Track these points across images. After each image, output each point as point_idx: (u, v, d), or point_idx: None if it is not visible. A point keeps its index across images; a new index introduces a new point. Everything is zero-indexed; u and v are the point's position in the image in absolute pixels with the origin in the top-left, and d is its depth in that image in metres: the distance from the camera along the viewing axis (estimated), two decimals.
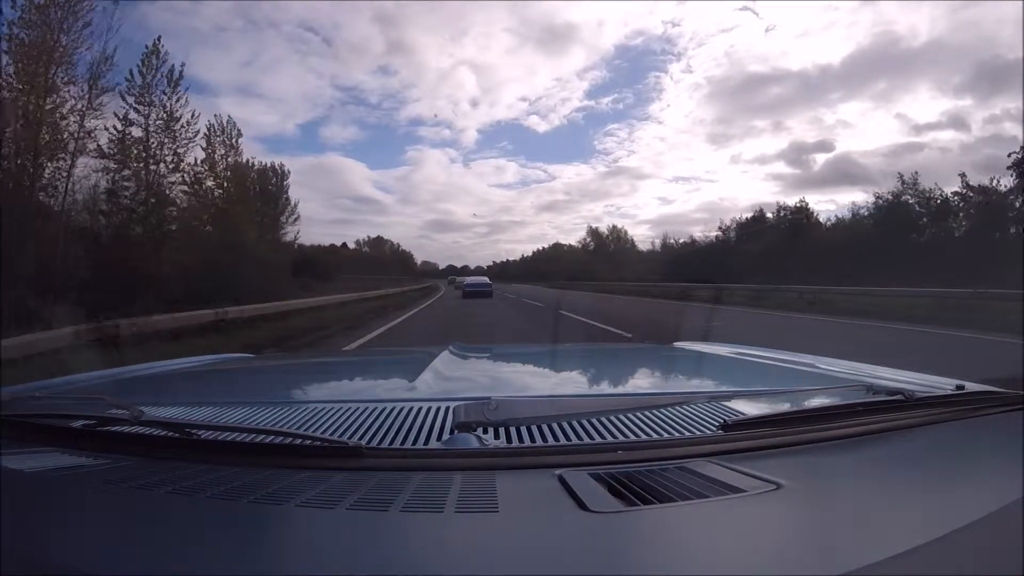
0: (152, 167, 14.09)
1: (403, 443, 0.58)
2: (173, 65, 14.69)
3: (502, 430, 0.60)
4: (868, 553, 0.36)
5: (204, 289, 10.68)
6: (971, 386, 0.76)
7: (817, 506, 0.47)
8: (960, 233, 21.89)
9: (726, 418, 0.62)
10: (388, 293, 20.72)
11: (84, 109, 11.64)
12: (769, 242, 30.22)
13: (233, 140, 21.04)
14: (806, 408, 0.70)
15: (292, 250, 27.46)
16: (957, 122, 44.44)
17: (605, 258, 52.68)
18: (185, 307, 7.71)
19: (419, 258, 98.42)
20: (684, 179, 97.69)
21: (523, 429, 0.61)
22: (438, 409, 0.68)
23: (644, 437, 0.59)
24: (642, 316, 11.02)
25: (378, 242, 67.91)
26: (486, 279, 26.26)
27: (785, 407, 0.72)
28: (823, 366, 1.06)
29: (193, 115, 15.09)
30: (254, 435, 0.59)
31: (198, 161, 17.73)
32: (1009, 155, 19.80)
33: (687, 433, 0.60)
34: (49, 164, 11.03)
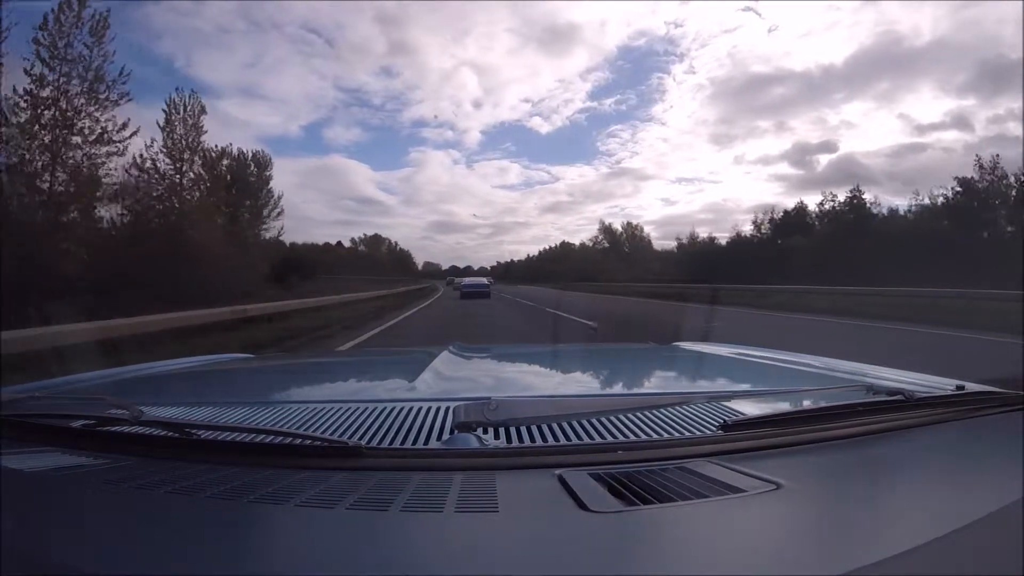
0: (68, 137, 11.21)
1: (403, 443, 0.58)
2: (96, 10, 11.80)
3: (502, 430, 0.60)
4: (868, 553, 0.36)
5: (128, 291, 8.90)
6: (971, 386, 0.76)
7: (817, 506, 0.47)
8: None
9: (726, 418, 0.62)
10: (364, 298, 17.07)
11: None
12: (820, 237, 27.17)
13: (196, 118, 18.08)
14: (806, 408, 0.70)
15: (272, 247, 25.49)
16: (960, 122, 44.09)
17: (619, 257, 49.27)
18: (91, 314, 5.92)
19: (422, 259, 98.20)
20: (687, 180, 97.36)
21: (523, 429, 0.61)
22: (438, 409, 0.68)
23: (644, 437, 0.59)
24: (693, 327, 8.34)
25: (375, 241, 66.02)
26: (484, 280, 26.44)
27: (785, 407, 0.72)
28: (823, 366, 1.06)
29: (121, 73, 12.23)
30: (254, 435, 0.59)
31: (152, 140, 15.64)
32: None
33: (687, 433, 0.60)
34: None
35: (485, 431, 0.58)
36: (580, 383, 1.17)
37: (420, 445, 0.58)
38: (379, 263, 51.74)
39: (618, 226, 58.24)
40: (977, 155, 23.35)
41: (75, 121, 11.83)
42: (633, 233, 56.19)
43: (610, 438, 0.59)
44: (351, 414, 0.68)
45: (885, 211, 27.95)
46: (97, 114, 12.31)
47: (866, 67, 62.62)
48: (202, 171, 19.10)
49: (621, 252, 51.44)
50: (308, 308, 11.45)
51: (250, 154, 26.13)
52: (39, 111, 11.33)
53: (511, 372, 1.31)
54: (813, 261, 23.65)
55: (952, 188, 23.68)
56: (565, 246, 72.63)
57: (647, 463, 0.52)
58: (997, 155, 22.46)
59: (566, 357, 1.53)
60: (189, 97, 18.27)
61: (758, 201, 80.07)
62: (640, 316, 10.96)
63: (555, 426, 0.61)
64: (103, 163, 12.63)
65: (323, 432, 0.61)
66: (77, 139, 11.89)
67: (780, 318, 10.40)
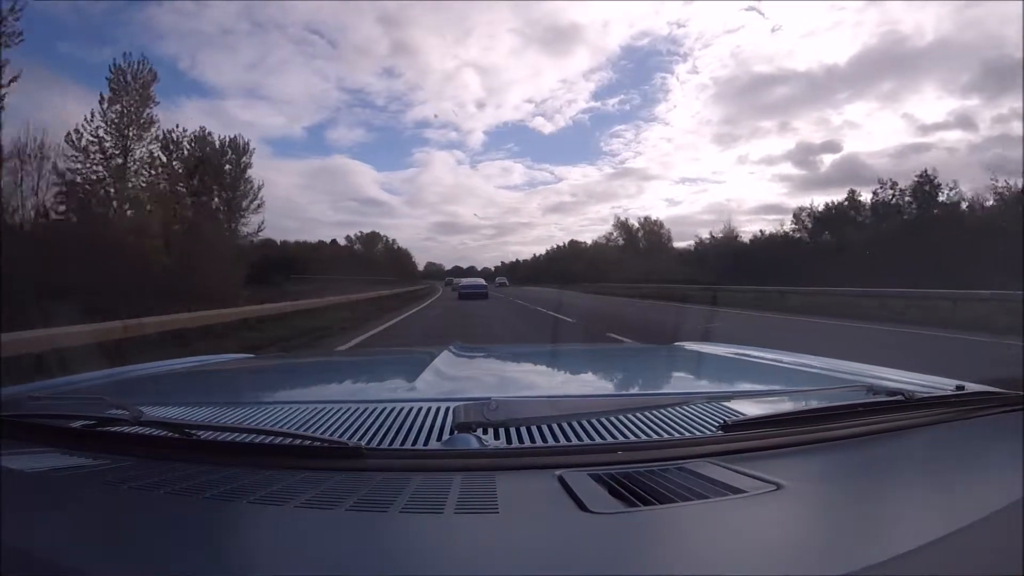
0: None
1: (403, 443, 0.58)
2: None
3: (502, 431, 0.60)
4: (868, 553, 0.36)
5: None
6: (971, 386, 0.76)
7: (817, 506, 0.47)
8: None
9: (726, 418, 0.62)
10: (332, 304, 13.45)
11: None
12: (880, 231, 23.85)
13: (144, 88, 14.86)
14: (806, 408, 0.70)
15: (251, 245, 23.13)
16: (964, 121, 43.91)
17: (637, 255, 44.68)
18: None
19: (425, 259, 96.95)
20: (691, 180, 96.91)
21: (523, 429, 0.61)
22: (438, 409, 0.68)
23: (644, 437, 0.59)
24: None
25: (371, 239, 59.92)
26: (482, 280, 26.13)
27: (785, 407, 0.72)
28: (823, 366, 1.06)
29: (13, 8, 10.00)
30: (254, 435, 0.59)
31: (92, 114, 12.97)
32: None
33: (687, 433, 0.60)
34: None
35: (485, 431, 0.58)
36: (580, 383, 1.17)
37: (420, 446, 0.58)
38: (374, 262, 47.33)
39: (634, 222, 53.84)
40: None
41: None
42: (652, 229, 51.50)
43: (610, 438, 0.59)
44: (351, 414, 0.68)
45: (962, 198, 23.82)
46: None
47: (869, 67, 62.32)
48: (160, 154, 17.14)
49: (638, 250, 47.74)
50: (221, 323, 8.01)
51: (227, 139, 23.18)
52: None
53: (511, 372, 1.31)
54: (869, 258, 20.64)
55: None
56: (574, 245, 69.27)
57: (647, 463, 0.52)
58: None
59: (566, 357, 1.53)
60: (138, 64, 15.16)
61: (762, 201, 79.69)
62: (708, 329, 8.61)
63: (555, 426, 0.61)
64: None
65: (323, 432, 0.61)
66: None
67: (882, 332, 7.74)
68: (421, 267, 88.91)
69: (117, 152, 14.99)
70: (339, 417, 0.67)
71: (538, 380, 1.19)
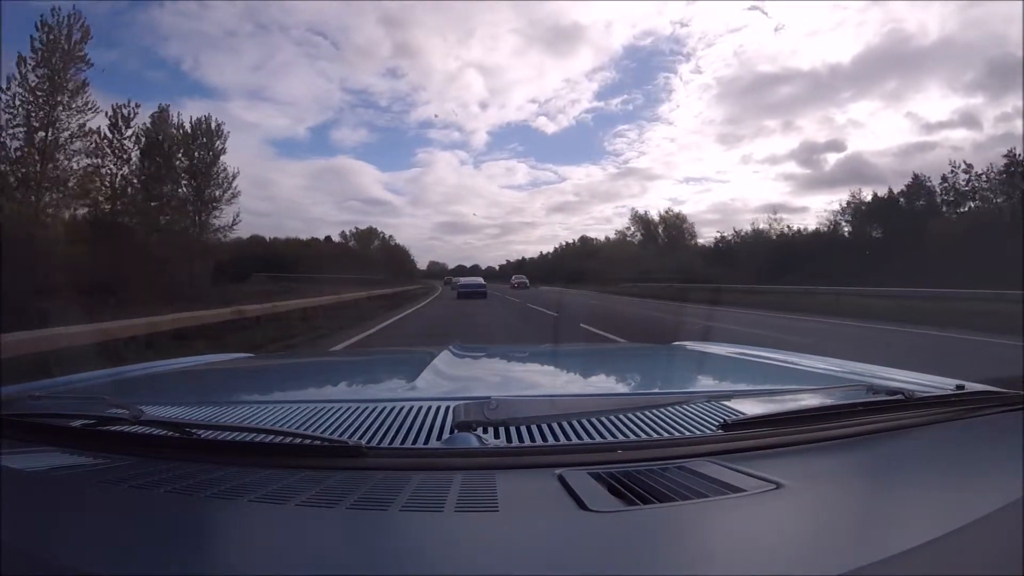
0: None
1: (403, 443, 0.58)
2: None
3: (502, 430, 0.60)
4: (868, 553, 0.36)
5: None
6: (971, 386, 0.76)
7: (817, 506, 0.47)
8: None
9: (726, 418, 0.62)
10: (295, 308, 10.48)
11: None
12: (950, 223, 20.37)
13: (72, 47, 11.69)
14: (806, 408, 0.70)
15: (213, 240, 20.57)
16: (968, 120, 43.34)
17: (661, 252, 39.53)
18: None
19: (428, 259, 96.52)
20: (695, 180, 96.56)
21: (523, 429, 0.61)
22: (438, 409, 0.68)
23: (644, 437, 0.59)
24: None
25: (367, 235, 56.73)
26: (481, 280, 25.83)
27: (785, 407, 0.72)
28: (823, 366, 1.06)
29: None
30: (254, 435, 0.59)
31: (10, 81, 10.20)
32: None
33: (687, 433, 0.60)
34: None
35: (485, 431, 0.58)
36: (580, 383, 1.17)
37: (420, 445, 0.58)
38: (370, 260, 44.20)
39: (655, 215, 48.13)
40: None
41: None
42: (673, 223, 45.91)
43: (610, 438, 0.59)
44: (351, 414, 0.67)
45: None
46: None
47: (873, 66, 61.97)
48: (108, 132, 14.90)
49: (657, 245, 43.02)
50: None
51: (198, 121, 20.25)
52: None
53: (511, 372, 1.31)
54: (938, 253, 17.21)
55: None
56: (586, 242, 64.67)
57: (647, 463, 0.52)
58: None
59: (566, 357, 1.53)
60: (67, 18, 11.91)
61: (766, 201, 79.18)
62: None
63: (555, 426, 0.61)
64: None
65: (323, 432, 0.61)
66: None
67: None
68: (424, 266, 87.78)
69: (37, 125, 11.95)
70: (339, 416, 0.67)
71: (538, 379, 1.19)
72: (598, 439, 0.59)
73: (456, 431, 0.58)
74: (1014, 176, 21.62)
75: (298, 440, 0.56)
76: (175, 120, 19.94)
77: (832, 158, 65.42)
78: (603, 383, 1.18)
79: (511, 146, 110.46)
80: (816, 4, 73.91)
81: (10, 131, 11.69)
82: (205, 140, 20.70)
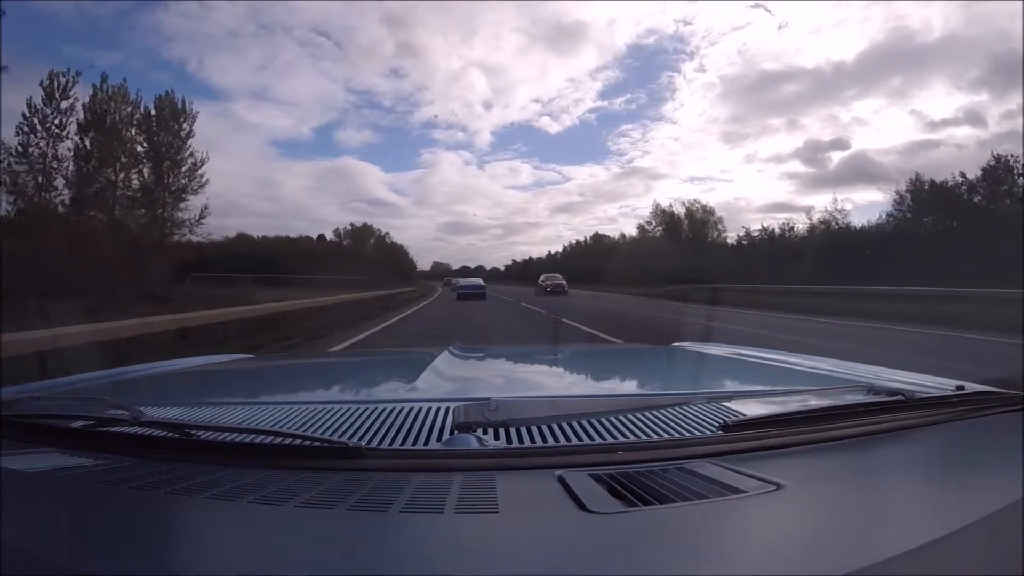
0: None
1: (403, 444, 0.58)
2: None
3: (502, 431, 0.60)
4: (868, 553, 0.36)
5: None
6: (971, 386, 0.76)
7: (817, 506, 0.47)
8: None
9: (726, 418, 0.62)
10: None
11: None
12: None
13: None
14: (806, 408, 0.70)
15: (168, 235, 17.79)
16: (973, 117, 42.36)
17: (692, 250, 33.16)
18: None
19: (432, 259, 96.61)
20: (699, 179, 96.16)
21: (523, 430, 0.61)
22: (438, 409, 0.68)
23: (644, 438, 0.59)
24: None
25: (362, 232, 51.93)
26: (480, 281, 25.44)
27: (785, 407, 0.72)
28: (823, 366, 1.06)
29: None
30: (253, 435, 0.59)
31: None
32: None
33: (687, 434, 0.60)
34: None
35: (485, 431, 0.58)
36: (580, 383, 1.17)
37: (420, 446, 0.58)
38: (364, 258, 40.20)
39: (679, 208, 42.03)
40: None
41: None
42: (701, 216, 39.93)
43: (610, 438, 0.59)
44: (351, 414, 0.67)
45: None
46: None
47: (877, 63, 61.81)
48: (41, 104, 12.66)
49: (683, 242, 37.43)
50: None
51: (160, 97, 17.36)
52: None
53: (511, 372, 1.31)
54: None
55: None
56: (599, 239, 59.99)
57: (647, 464, 0.52)
58: None
59: (566, 357, 1.53)
60: None
61: (770, 200, 78.85)
62: None
63: (555, 426, 0.61)
64: None
65: (323, 433, 0.61)
66: None
67: None
68: (428, 267, 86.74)
69: None
70: (339, 417, 0.67)
71: (538, 380, 1.19)
72: (598, 440, 0.59)
73: (456, 432, 0.58)
74: None
75: (298, 441, 0.56)
76: (134, 97, 16.81)
77: (836, 156, 65.42)
78: (603, 384, 1.18)
79: (515, 146, 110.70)
80: (820, 2, 73.76)
81: None
82: (171, 121, 17.41)
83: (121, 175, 16.37)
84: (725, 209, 72.30)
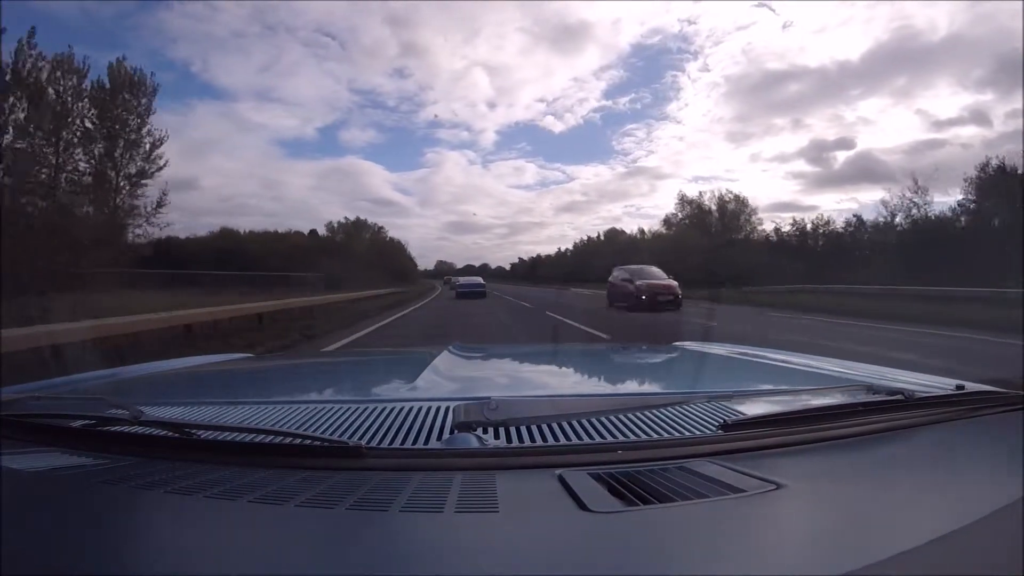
0: None
1: (403, 443, 0.58)
2: None
3: (502, 430, 0.60)
4: (868, 553, 0.36)
5: None
6: (971, 386, 0.76)
7: (817, 506, 0.47)
8: None
9: (726, 418, 0.62)
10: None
11: None
12: None
13: None
14: (806, 408, 0.70)
15: (119, 221, 15.48)
16: (978, 117, 42.36)
17: (716, 246, 29.98)
18: None
19: (436, 258, 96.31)
20: (704, 179, 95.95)
21: (523, 429, 0.61)
22: (438, 409, 0.68)
23: (644, 437, 0.59)
24: None
25: (356, 227, 47.42)
26: (479, 279, 25.33)
27: (785, 407, 0.72)
28: (823, 366, 1.06)
29: None
30: (254, 435, 0.59)
31: None
32: None
33: (687, 433, 0.60)
34: None
35: (485, 431, 0.58)
36: (580, 383, 1.17)
37: (420, 445, 0.58)
38: (356, 256, 36.37)
39: (708, 200, 37.15)
40: None
41: None
42: (736, 209, 35.28)
43: (610, 438, 0.59)
44: (351, 414, 0.67)
45: None
46: None
47: (882, 63, 61.12)
48: None
49: (716, 236, 33.65)
50: None
51: (112, 64, 14.72)
52: None
53: (511, 372, 1.31)
54: None
55: None
56: (614, 235, 54.65)
57: (647, 463, 0.52)
58: None
59: (566, 357, 1.53)
60: None
61: (775, 199, 78.25)
62: None
63: (555, 426, 0.61)
64: None
65: (323, 432, 0.61)
66: None
67: None
68: (431, 265, 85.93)
69: None
70: (339, 417, 0.67)
71: (538, 379, 1.19)
72: (598, 439, 0.59)
73: (456, 431, 0.58)
74: None
75: (298, 440, 0.56)
76: (81, 64, 14.04)
77: (842, 156, 65.14)
78: (603, 383, 1.18)
79: (519, 146, 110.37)
80: (824, 1, 73.39)
81: None
82: (127, 95, 14.34)
83: (65, 155, 13.63)
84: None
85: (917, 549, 0.36)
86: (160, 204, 16.29)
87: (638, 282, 13.43)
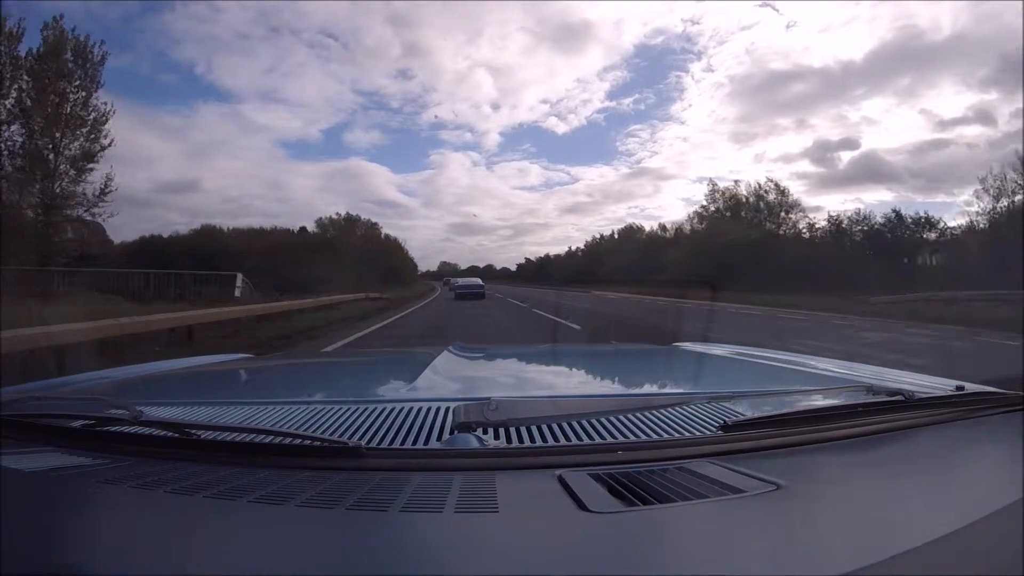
0: None
1: (403, 443, 0.58)
2: None
3: (502, 430, 0.60)
4: (868, 553, 0.36)
5: None
6: (971, 387, 0.76)
7: (817, 506, 0.47)
8: None
9: (726, 418, 0.62)
10: None
11: None
12: None
13: None
14: (806, 409, 0.70)
15: (65, 210, 13.24)
16: (983, 116, 41.18)
17: (762, 242, 25.63)
18: None
19: (440, 259, 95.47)
20: (707, 180, 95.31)
21: (523, 429, 0.61)
22: (438, 409, 0.68)
23: (644, 437, 0.59)
24: None
25: (347, 224, 42.46)
26: (479, 280, 25.20)
27: (785, 408, 0.72)
28: (823, 367, 1.06)
29: None
30: (254, 435, 0.59)
31: None
32: None
33: (687, 433, 0.60)
34: None
35: (485, 431, 0.58)
36: (580, 383, 1.17)
37: (420, 445, 0.58)
38: (346, 254, 32.35)
39: (743, 191, 32.14)
40: None
41: None
42: (777, 202, 30.44)
43: (610, 438, 0.59)
44: (351, 414, 0.67)
45: None
46: None
47: (886, 62, 60.22)
48: None
49: (747, 229, 28.60)
50: None
51: (46, 26, 11.71)
52: None
53: (511, 372, 1.31)
54: None
55: None
56: (631, 232, 48.68)
57: (647, 463, 0.52)
58: None
59: (566, 357, 1.53)
60: None
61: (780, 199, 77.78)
62: None
63: (555, 426, 0.61)
64: None
65: (323, 432, 0.61)
66: None
67: None
68: (435, 267, 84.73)
69: None
70: (339, 417, 0.67)
71: (538, 380, 1.19)
72: (598, 440, 0.59)
73: (456, 432, 0.58)
74: None
75: (298, 441, 0.56)
76: (13, 27, 11.57)
77: (846, 156, 64.02)
78: (603, 384, 1.17)
79: (523, 147, 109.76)
80: (828, 1, 73.15)
81: None
82: (68, 64, 11.80)
83: None
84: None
85: (917, 549, 0.36)
86: (104, 192, 13.58)
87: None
